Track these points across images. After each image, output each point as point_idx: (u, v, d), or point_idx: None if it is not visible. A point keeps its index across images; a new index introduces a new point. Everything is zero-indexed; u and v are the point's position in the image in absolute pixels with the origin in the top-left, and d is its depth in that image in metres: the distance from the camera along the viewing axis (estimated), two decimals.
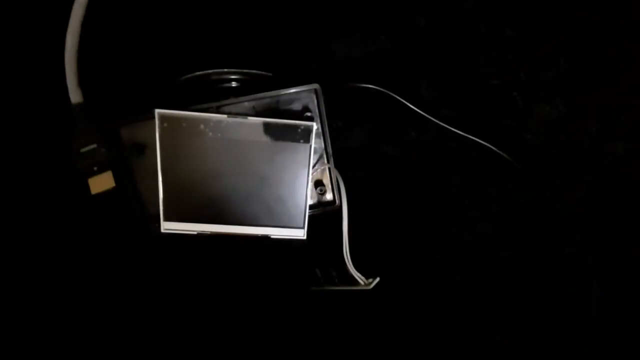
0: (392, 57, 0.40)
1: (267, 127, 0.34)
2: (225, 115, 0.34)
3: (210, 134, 0.34)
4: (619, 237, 0.41)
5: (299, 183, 0.35)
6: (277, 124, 0.34)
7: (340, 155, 0.37)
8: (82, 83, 0.36)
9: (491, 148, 0.40)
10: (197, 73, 0.35)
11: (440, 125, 0.40)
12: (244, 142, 0.34)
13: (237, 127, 0.34)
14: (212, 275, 0.40)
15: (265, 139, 0.34)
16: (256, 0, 0.40)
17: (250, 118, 0.34)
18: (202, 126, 0.34)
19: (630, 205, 0.42)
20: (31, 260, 0.39)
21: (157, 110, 0.33)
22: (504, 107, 0.41)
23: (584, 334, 0.40)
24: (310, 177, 0.35)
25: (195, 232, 0.35)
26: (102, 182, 0.35)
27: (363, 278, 0.34)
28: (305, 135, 0.35)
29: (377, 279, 0.34)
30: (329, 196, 0.37)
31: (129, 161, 0.35)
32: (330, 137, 0.36)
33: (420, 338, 0.40)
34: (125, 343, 0.39)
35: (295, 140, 0.35)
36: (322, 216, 0.37)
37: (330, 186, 0.37)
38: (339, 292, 0.37)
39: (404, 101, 0.39)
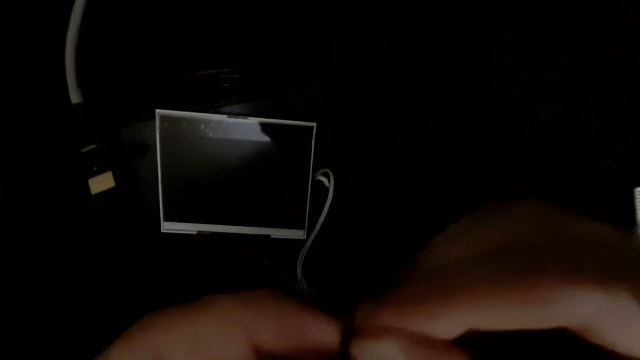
0: (392, 57, 0.40)
1: (267, 127, 0.34)
2: (225, 116, 0.34)
3: (211, 134, 0.34)
4: None
5: (299, 183, 0.35)
6: (277, 124, 0.34)
7: (340, 155, 0.37)
8: (82, 83, 0.36)
9: (491, 148, 0.40)
10: (197, 73, 0.35)
11: (440, 125, 0.40)
12: (244, 142, 0.34)
13: (237, 127, 0.34)
14: (212, 275, 0.40)
15: (266, 139, 0.35)
16: (256, 0, 0.40)
17: (250, 118, 0.34)
18: (202, 126, 0.34)
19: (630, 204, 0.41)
20: (31, 260, 0.39)
21: (157, 110, 0.33)
22: (504, 107, 0.41)
23: None
24: (311, 177, 0.35)
25: (195, 232, 0.35)
26: (102, 182, 0.35)
27: (304, 284, 0.37)
28: (305, 135, 0.35)
29: (314, 289, 0.37)
30: None
31: (130, 161, 0.35)
32: (330, 137, 0.36)
33: None
34: None
35: (295, 140, 0.35)
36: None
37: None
38: None
39: (403, 101, 0.39)
